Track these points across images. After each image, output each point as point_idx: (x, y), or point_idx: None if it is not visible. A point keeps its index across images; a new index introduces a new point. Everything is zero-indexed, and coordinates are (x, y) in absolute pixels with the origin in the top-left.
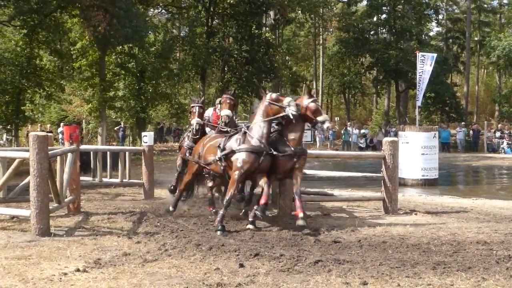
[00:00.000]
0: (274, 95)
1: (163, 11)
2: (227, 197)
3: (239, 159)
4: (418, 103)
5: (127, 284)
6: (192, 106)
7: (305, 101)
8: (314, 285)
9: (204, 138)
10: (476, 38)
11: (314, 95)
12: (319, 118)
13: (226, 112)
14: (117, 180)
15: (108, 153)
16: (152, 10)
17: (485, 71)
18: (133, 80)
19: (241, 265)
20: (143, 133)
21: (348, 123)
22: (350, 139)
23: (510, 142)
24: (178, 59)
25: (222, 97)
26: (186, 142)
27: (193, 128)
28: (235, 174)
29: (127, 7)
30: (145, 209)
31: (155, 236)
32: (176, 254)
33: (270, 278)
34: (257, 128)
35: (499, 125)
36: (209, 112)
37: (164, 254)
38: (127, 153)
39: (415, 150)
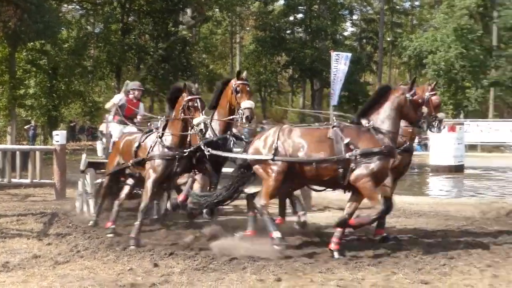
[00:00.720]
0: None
1: (77, 6)
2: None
3: None
4: (333, 102)
5: (37, 287)
6: (191, 99)
7: None
8: (229, 283)
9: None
10: (388, 39)
11: None
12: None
13: (248, 104)
14: (27, 181)
15: (17, 152)
16: (65, 5)
17: (397, 70)
18: (45, 78)
19: (156, 265)
20: (54, 132)
21: (264, 121)
22: None
23: (420, 140)
24: (92, 56)
25: (234, 83)
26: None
27: (201, 129)
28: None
29: (38, 2)
30: (56, 210)
31: (67, 238)
32: (88, 255)
33: (185, 277)
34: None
35: None
36: (118, 99)
37: (76, 256)
38: (37, 152)
39: None
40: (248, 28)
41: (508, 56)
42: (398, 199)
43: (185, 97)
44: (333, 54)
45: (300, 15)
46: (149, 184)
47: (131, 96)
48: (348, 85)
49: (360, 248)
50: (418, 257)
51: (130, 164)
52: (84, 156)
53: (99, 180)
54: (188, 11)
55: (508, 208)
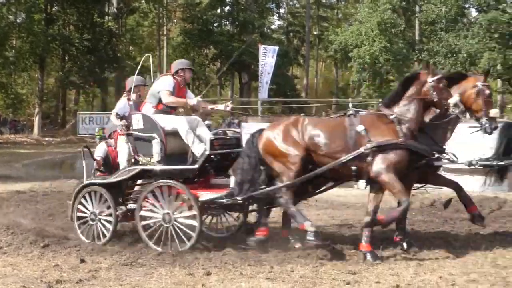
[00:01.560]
0: None
1: None
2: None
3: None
4: (261, 95)
5: None
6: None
7: None
8: (158, 278)
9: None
10: (315, 32)
11: None
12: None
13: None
14: None
15: None
16: None
17: (324, 64)
18: None
19: (82, 261)
20: None
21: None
22: None
23: None
24: (14, 47)
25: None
26: None
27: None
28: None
29: None
30: None
31: None
32: (11, 252)
33: (112, 273)
34: None
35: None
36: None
37: None
38: None
39: None
40: (175, 20)
41: (430, 50)
42: (327, 191)
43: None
44: (261, 47)
45: (227, 8)
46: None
47: (179, 79)
48: (275, 78)
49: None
50: (346, 248)
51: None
52: None
53: None
54: (114, 1)
55: (432, 199)
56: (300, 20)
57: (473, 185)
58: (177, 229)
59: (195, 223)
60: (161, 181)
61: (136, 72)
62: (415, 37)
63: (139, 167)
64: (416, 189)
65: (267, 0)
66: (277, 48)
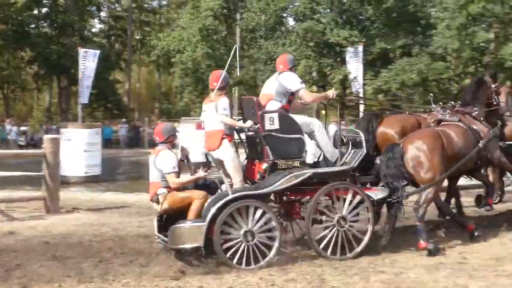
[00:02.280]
0: None
1: None
2: None
3: None
4: (82, 100)
5: None
6: None
7: None
8: None
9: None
10: (137, 37)
11: None
12: None
13: None
14: None
15: None
16: None
17: (146, 69)
18: None
19: None
20: None
21: (7, 120)
22: (9, 137)
23: None
24: None
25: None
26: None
27: None
28: None
29: None
30: None
31: None
32: None
33: None
34: None
35: (159, 122)
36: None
37: None
38: None
39: (78, 147)
40: None
41: (250, 56)
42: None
43: None
44: (81, 50)
45: (45, 9)
46: None
47: None
48: (97, 83)
49: (113, 248)
50: (169, 254)
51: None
52: None
53: None
54: None
55: None
56: (122, 24)
57: None
58: (349, 234)
59: (368, 227)
60: (336, 183)
61: (226, 68)
62: (237, 44)
63: (309, 171)
64: None
65: (87, 2)
66: (98, 52)
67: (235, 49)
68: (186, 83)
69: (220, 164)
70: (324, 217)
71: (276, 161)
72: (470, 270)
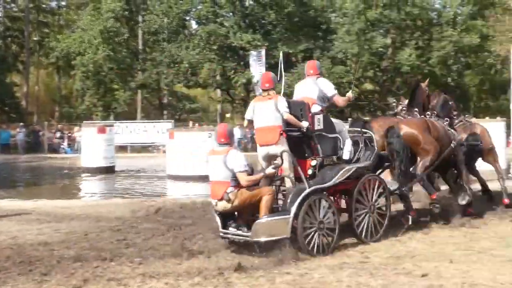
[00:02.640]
0: None
1: None
2: None
3: None
4: None
5: None
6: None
7: None
8: None
9: None
10: (35, 38)
11: None
12: None
13: None
14: None
15: None
16: None
17: (45, 71)
18: None
19: None
20: None
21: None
22: None
23: (70, 142)
24: None
25: None
26: None
27: None
28: None
29: None
30: None
31: None
32: None
33: None
34: None
35: (59, 126)
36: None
37: None
38: None
39: None
40: None
41: (153, 59)
42: (50, 204)
43: None
44: None
45: None
46: None
47: None
48: None
49: (12, 256)
50: (71, 261)
51: None
52: None
53: None
54: None
55: (157, 206)
56: (19, 24)
57: None
58: (375, 219)
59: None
60: (369, 175)
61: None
62: (139, 46)
63: (355, 165)
64: None
65: None
66: None
67: (281, 57)
68: (87, 86)
69: (272, 159)
70: (359, 205)
71: (323, 158)
72: (371, 269)
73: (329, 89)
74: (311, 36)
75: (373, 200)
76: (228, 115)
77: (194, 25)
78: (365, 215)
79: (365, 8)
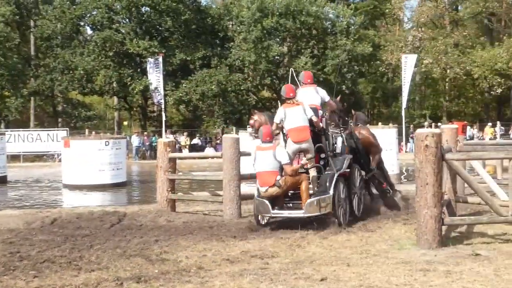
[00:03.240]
0: None
1: None
2: None
3: None
4: None
5: None
6: None
7: None
8: None
9: None
10: None
11: None
12: None
13: None
14: None
15: None
16: None
17: None
18: None
19: None
20: None
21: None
22: None
23: None
24: None
25: None
26: None
27: None
28: None
29: None
30: None
31: None
32: None
33: None
34: None
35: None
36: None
37: None
38: None
39: None
40: None
41: (46, 65)
42: None
43: None
44: None
45: None
46: None
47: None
48: None
49: None
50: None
51: None
52: None
53: None
54: None
55: (53, 217)
56: None
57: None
58: (358, 200)
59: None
60: (355, 165)
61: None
62: (31, 52)
63: (350, 156)
64: None
65: None
66: None
67: (292, 73)
68: None
69: (303, 152)
70: (353, 188)
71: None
72: (271, 274)
73: (325, 95)
74: (208, 43)
75: (359, 184)
76: (125, 123)
77: (89, 31)
78: (354, 195)
79: (261, 17)
